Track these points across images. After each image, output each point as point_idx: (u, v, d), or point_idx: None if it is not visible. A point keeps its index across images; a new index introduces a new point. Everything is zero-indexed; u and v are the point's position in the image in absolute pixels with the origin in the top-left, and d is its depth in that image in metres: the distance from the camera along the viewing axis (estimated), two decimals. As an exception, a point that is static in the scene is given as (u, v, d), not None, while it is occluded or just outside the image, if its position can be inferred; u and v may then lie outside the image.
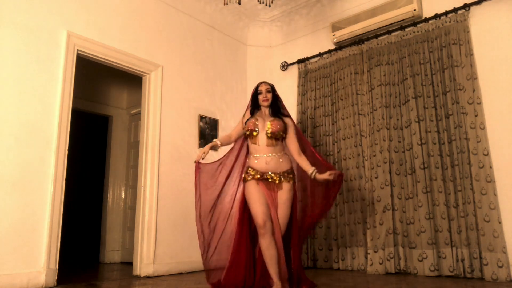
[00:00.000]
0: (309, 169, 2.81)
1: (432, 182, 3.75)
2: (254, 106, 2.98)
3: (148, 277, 3.79)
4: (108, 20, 3.86)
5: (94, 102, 5.51)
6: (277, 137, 2.80)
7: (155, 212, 3.99)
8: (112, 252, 5.29)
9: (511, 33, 3.58)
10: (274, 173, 2.75)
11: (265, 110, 2.95)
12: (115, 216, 5.40)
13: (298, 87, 5.02)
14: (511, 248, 3.29)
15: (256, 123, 2.82)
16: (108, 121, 5.72)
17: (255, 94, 2.96)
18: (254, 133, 2.80)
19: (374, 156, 4.14)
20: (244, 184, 2.83)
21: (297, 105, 4.96)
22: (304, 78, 4.99)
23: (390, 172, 4.01)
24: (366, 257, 4.04)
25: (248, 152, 2.99)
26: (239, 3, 3.41)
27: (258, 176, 2.75)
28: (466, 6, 3.78)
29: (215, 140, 2.99)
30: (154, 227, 3.96)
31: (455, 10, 3.84)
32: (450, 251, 3.55)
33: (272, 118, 2.85)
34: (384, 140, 4.10)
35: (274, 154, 2.77)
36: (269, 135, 2.77)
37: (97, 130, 6.30)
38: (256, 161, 2.79)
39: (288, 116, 2.99)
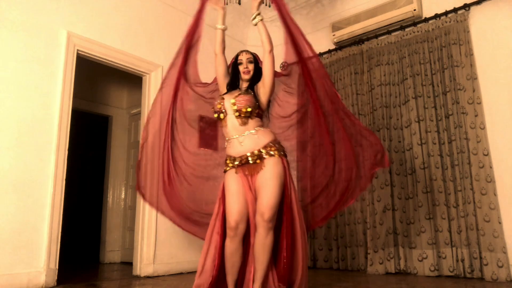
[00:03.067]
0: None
1: (432, 182, 3.75)
2: (233, 79, 2.48)
3: (148, 277, 3.79)
4: (108, 20, 3.86)
5: (94, 102, 5.51)
6: (247, 115, 2.28)
7: (155, 212, 3.98)
8: (112, 252, 5.29)
9: (511, 33, 3.58)
10: (252, 152, 2.25)
11: (245, 84, 2.45)
12: (115, 216, 5.40)
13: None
14: (511, 248, 3.29)
15: (221, 103, 2.33)
16: (108, 121, 5.72)
17: (235, 64, 2.48)
18: (222, 116, 2.32)
19: (374, 156, 4.14)
20: (224, 175, 2.36)
21: (297, 105, 4.95)
22: (304, 78, 4.99)
23: (390, 172, 4.01)
24: (366, 257, 4.04)
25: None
26: (239, 3, 3.41)
27: (237, 163, 2.27)
28: (466, 6, 3.78)
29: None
30: (154, 227, 3.96)
31: (455, 10, 3.84)
32: (450, 251, 3.55)
33: (237, 93, 2.33)
34: (384, 140, 4.10)
35: (247, 132, 2.27)
36: (236, 114, 2.27)
37: (97, 130, 6.30)
38: (229, 146, 2.33)
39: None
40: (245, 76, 2.42)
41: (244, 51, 2.50)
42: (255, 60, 2.47)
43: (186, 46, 2.58)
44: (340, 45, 4.69)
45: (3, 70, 3.08)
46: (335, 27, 4.65)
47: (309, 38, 5.04)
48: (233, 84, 2.47)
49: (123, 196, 5.49)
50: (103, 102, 5.61)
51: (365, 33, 4.45)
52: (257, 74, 2.45)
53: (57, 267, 3.18)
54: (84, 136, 6.46)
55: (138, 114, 5.09)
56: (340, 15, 4.77)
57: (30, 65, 3.23)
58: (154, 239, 3.92)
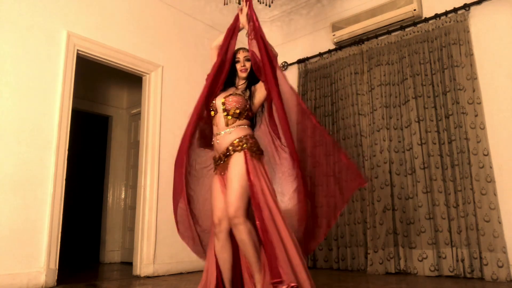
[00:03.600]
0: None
1: (432, 182, 3.75)
2: (230, 75, 2.43)
3: (148, 277, 3.79)
4: (108, 20, 3.86)
5: (94, 102, 5.51)
6: (236, 116, 2.26)
7: (155, 212, 3.99)
8: (112, 252, 5.29)
9: (511, 33, 3.58)
10: (223, 151, 2.24)
11: (241, 82, 2.43)
12: (115, 216, 5.40)
13: (298, 87, 5.02)
14: (511, 248, 3.29)
15: (214, 101, 2.33)
16: (108, 121, 5.72)
17: (232, 63, 2.45)
18: (212, 113, 2.33)
19: (374, 156, 4.14)
20: None
21: (297, 105, 4.95)
22: (304, 78, 4.99)
23: (390, 172, 4.01)
24: (366, 257, 4.04)
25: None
26: (239, 3, 3.41)
27: (216, 162, 2.29)
28: (466, 6, 3.78)
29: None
30: (154, 227, 3.96)
31: (455, 10, 3.84)
32: (450, 251, 3.55)
33: (229, 93, 2.32)
34: (384, 140, 4.10)
35: (227, 131, 2.26)
36: (224, 114, 2.27)
37: (97, 130, 6.30)
38: (214, 145, 2.33)
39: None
40: (242, 74, 2.41)
41: (241, 48, 2.51)
42: (252, 57, 2.43)
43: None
44: (340, 45, 4.69)
45: (3, 70, 3.08)
46: (335, 27, 4.65)
47: (309, 38, 5.13)
48: (229, 81, 2.43)
49: (123, 196, 5.49)
50: (103, 102, 5.61)
51: (365, 33, 4.46)
52: (251, 76, 2.42)
53: (57, 267, 3.18)
54: (84, 136, 6.46)
55: (138, 114, 5.09)
56: (340, 15, 4.77)
57: (30, 65, 3.23)
58: (154, 239, 3.92)
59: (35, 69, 3.26)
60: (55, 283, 3.15)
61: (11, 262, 2.92)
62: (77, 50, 3.57)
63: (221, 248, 2.21)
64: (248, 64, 2.42)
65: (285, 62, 5.29)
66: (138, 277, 3.78)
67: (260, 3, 3.62)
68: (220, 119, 2.29)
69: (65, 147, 3.36)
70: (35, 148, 3.18)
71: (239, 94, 2.32)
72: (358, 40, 4.53)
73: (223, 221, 2.18)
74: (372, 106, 4.29)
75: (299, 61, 5.07)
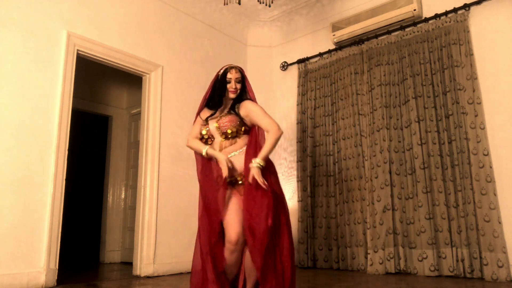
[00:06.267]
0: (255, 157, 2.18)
1: (432, 182, 3.75)
2: (217, 95, 2.31)
3: (148, 277, 3.79)
4: (108, 20, 3.86)
5: (94, 102, 5.51)
6: (234, 135, 2.24)
7: (155, 212, 3.99)
8: (112, 252, 5.28)
9: (511, 33, 3.58)
10: (240, 173, 2.19)
11: (229, 103, 2.34)
12: (115, 216, 5.40)
13: (298, 87, 5.02)
14: (511, 248, 3.29)
15: (207, 129, 2.27)
16: (108, 121, 5.72)
17: (222, 81, 2.30)
18: (209, 141, 2.28)
19: (374, 156, 4.14)
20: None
21: (297, 105, 4.96)
22: (304, 78, 4.99)
23: (390, 172, 4.01)
24: (366, 257, 4.04)
25: None
26: (239, 3, 3.40)
27: (228, 180, 2.19)
28: (466, 6, 3.78)
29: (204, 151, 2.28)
30: (154, 227, 3.96)
31: (455, 10, 3.84)
32: (450, 251, 3.55)
33: (219, 116, 2.27)
34: (384, 140, 4.10)
35: (234, 153, 2.22)
36: (222, 136, 2.24)
37: (97, 130, 6.30)
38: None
39: (251, 98, 2.36)
40: (232, 95, 2.30)
41: (233, 67, 2.33)
42: (243, 78, 2.34)
43: None
44: (340, 45, 4.69)
45: (3, 70, 3.08)
46: (335, 27, 4.65)
47: (309, 38, 5.13)
48: (214, 99, 2.33)
49: (123, 196, 5.48)
50: (103, 102, 5.61)
51: (365, 33, 4.46)
52: (242, 92, 2.34)
53: (57, 267, 3.18)
54: (84, 136, 6.46)
55: (138, 114, 5.09)
56: (340, 15, 4.77)
57: (30, 65, 3.23)
58: (154, 239, 3.92)
59: (35, 69, 3.26)
60: (55, 283, 3.15)
61: (11, 262, 2.92)
62: (77, 50, 3.57)
63: (235, 263, 2.15)
64: (238, 86, 2.30)
65: (285, 62, 5.29)
66: (138, 277, 3.78)
67: (260, 3, 3.62)
68: (217, 144, 2.24)
69: (65, 147, 3.36)
70: (35, 148, 3.18)
71: (229, 113, 2.26)
72: (358, 40, 4.53)
73: (241, 238, 2.10)
74: (372, 106, 4.29)
75: (299, 61, 5.07)
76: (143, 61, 4.13)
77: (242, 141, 2.26)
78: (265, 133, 2.24)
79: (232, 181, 2.20)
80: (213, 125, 2.26)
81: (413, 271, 3.71)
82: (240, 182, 2.18)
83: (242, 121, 2.26)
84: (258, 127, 2.29)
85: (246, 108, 2.27)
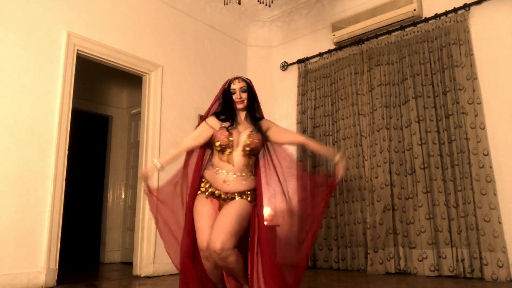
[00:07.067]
0: (331, 152, 2.38)
1: (432, 182, 3.75)
2: (226, 107, 2.29)
3: (148, 277, 3.79)
4: (108, 20, 3.86)
5: (94, 102, 5.51)
6: (254, 154, 2.24)
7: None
8: (112, 252, 5.28)
9: (511, 33, 3.58)
10: (230, 192, 2.17)
11: (241, 115, 2.30)
12: (115, 216, 5.40)
13: (298, 87, 5.02)
14: (511, 248, 3.29)
15: (231, 138, 2.17)
16: (108, 121, 5.72)
17: (227, 92, 2.29)
18: (228, 151, 2.18)
19: (374, 156, 4.14)
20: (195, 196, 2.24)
21: (297, 105, 4.96)
22: (304, 78, 4.99)
23: (390, 172, 4.01)
24: (366, 257, 4.04)
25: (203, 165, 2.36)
26: (239, 3, 3.41)
27: (212, 190, 2.19)
28: (466, 6, 3.78)
29: (154, 161, 2.34)
30: (154, 227, 3.95)
31: (455, 10, 3.84)
32: (450, 251, 3.55)
33: (250, 130, 2.23)
34: (384, 140, 4.10)
35: (239, 174, 2.18)
36: (247, 152, 2.19)
37: (97, 130, 6.30)
38: (216, 175, 2.19)
39: (263, 117, 2.40)
40: (239, 106, 2.26)
41: (236, 78, 2.30)
42: (249, 88, 2.29)
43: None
44: (340, 45, 4.69)
45: (3, 70, 3.08)
46: (335, 27, 4.65)
47: (309, 38, 5.13)
48: (227, 113, 2.27)
49: (123, 196, 5.48)
50: (103, 102, 5.61)
51: (365, 33, 4.45)
52: (252, 101, 2.31)
53: (57, 267, 3.19)
54: (84, 136, 6.46)
55: (138, 114, 5.09)
56: (340, 15, 4.77)
57: (30, 65, 3.24)
58: (154, 239, 3.92)
59: (35, 69, 3.26)
60: (55, 283, 3.15)
61: (11, 262, 2.92)
62: (77, 50, 3.57)
63: (213, 268, 2.13)
64: (244, 95, 2.26)
65: (285, 62, 5.29)
66: (138, 277, 3.78)
67: (260, 3, 3.62)
68: (236, 158, 2.18)
69: (65, 147, 3.36)
70: (35, 148, 3.18)
71: (258, 132, 2.25)
72: (358, 40, 4.53)
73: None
74: (372, 106, 4.29)
75: (299, 61, 5.07)
76: (143, 61, 4.13)
77: (251, 164, 2.25)
78: (290, 143, 2.39)
79: (218, 195, 2.18)
80: (242, 137, 2.21)
81: (413, 271, 3.71)
82: (228, 199, 2.18)
83: (262, 143, 2.29)
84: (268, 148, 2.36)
85: (266, 125, 2.33)
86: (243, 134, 2.21)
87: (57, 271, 3.18)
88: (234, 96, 2.26)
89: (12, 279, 2.89)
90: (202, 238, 2.06)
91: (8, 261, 2.91)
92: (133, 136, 5.55)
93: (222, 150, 2.19)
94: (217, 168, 2.20)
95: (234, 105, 2.27)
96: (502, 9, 3.65)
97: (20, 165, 3.08)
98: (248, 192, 2.21)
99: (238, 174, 2.18)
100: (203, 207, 2.16)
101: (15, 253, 2.96)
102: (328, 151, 2.47)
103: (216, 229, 2.02)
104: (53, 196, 3.20)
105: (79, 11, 3.63)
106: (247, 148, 2.18)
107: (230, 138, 2.17)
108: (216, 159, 2.24)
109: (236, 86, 2.27)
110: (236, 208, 2.12)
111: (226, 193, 2.17)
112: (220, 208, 2.17)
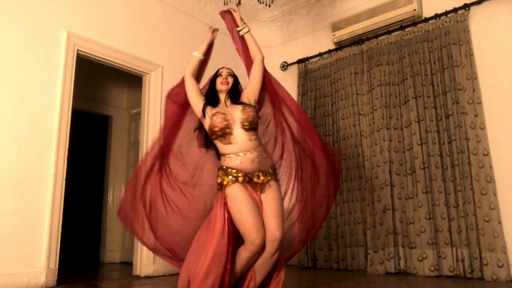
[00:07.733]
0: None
1: (432, 182, 3.75)
2: (211, 92, 2.36)
3: (148, 277, 3.79)
4: (108, 20, 3.86)
5: (94, 102, 5.51)
6: (254, 127, 2.22)
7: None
8: (112, 252, 5.28)
9: (511, 33, 3.58)
10: (262, 172, 2.19)
11: (223, 98, 2.33)
12: (115, 216, 5.38)
13: (298, 87, 5.02)
14: (511, 248, 3.29)
15: (227, 118, 2.18)
16: (108, 121, 5.72)
17: (213, 80, 2.41)
18: (228, 131, 2.16)
19: (374, 156, 4.14)
20: (223, 190, 2.14)
21: (297, 105, 4.96)
22: (304, 78, 4.99)
23: (390, 172, 4.01)
24: (366, 257, 4.04)
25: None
26: (239, 3, 3.41)
27: (245, 178, 2.15)
28: (466, 6, 3.78)
29: (195, 54, 2.57)
30: (154, 227, 3.95)
31: (455, 10, 3.84)
32: (450, 251, 3.55)
33: (241, 106, 2.24)
34: (384, 140, 4.10)
35: (254, 149, 2.18)
36: (246, 127, 2.17)
37: (97, 130, 6.30)
38: (238, 161, 2.15)
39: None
40: (223, 87, 2.33)
41: (224, 67, 2.47)
42: (235, 76, 2.43)
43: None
44: (340, 45, 4.69)
45: (3, 70, 3.08)
46: (335, 27, 4.65)
47: (309, 38, 5.13)
48: (211, 100, 2.32)
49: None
50: (103, 102, 5.61)
51: (365, 33, 4.46)
52: (235, 91, 2.36)
53: (57, 267, 3.19)
54: (84, 136, 6.46)
55: (138, 114, 5.09)
56: (340, 15, 4.77)
57: (30, 65, 3.23)
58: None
59: (35, 69, 3.26)
60: (55, 283, 3.15)
61: (11, 262, 2.92)
62: (77, 50, 3.57)
63: (253, 261, 2.14)
64: (230, 79, 2.37)
65: (285, 62, 5.29)
66: (138, 277, 3.78)
67: (260, 3, 3.63)
68: (239, 136, 2.17)
69: (65, 147, 3.36)
70: (35, 148, 3.18)
71: (248, 104, 2.27)
72: (358, 40, 4.53)
73: (262, 240, 2.08)
74: (372, 106, 4.29)
75: (299, 61, 5.07)
76: (143, 61, 4.13)
77: (258, 137, 2.25)
78: (256, 73, 2.42)
79: (250, 178, 2.17)
80: (236, 114, 2.21)
81: (413, 271, 3.71)
82: (265, 181, 2.19)
83: (257, 111, 2.33)
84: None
85: (245, 95, 2.36)
86: (236, 112, 2.22)
87: (57, 271, 3.18)
88: (219, 79, 2.37)
89: (12, 279, 2.89)
90: (256, 235, 2.05)
91: (8, 261, 2.91)
92: (133, 136, 5.55)
93: (222, 134, 2.17)
94: (231, 155, 2.18)
95: (217, 87, 2.36)
96: (502, 9, 3.65)
97: (20, 165, 3.08)
98: (275, 170, 2.31)
99: (252, 150, 2.18)
100: (248, 198, 2.12)
101: (15, 253, 2.96)
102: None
103: (274, 219, 2.12)
104: (53, 196, 3.20)
105: (79, 11, 3.63)
106: (246, 123, 2.18)
107: (226, 118, 2.18)
108: (222, 148, 2.22)
109: (223, 71, 2.42)
110: (279, 192, 2.25)
111: (257, 174, 2.18)
112: (258, 191, 2.18)
